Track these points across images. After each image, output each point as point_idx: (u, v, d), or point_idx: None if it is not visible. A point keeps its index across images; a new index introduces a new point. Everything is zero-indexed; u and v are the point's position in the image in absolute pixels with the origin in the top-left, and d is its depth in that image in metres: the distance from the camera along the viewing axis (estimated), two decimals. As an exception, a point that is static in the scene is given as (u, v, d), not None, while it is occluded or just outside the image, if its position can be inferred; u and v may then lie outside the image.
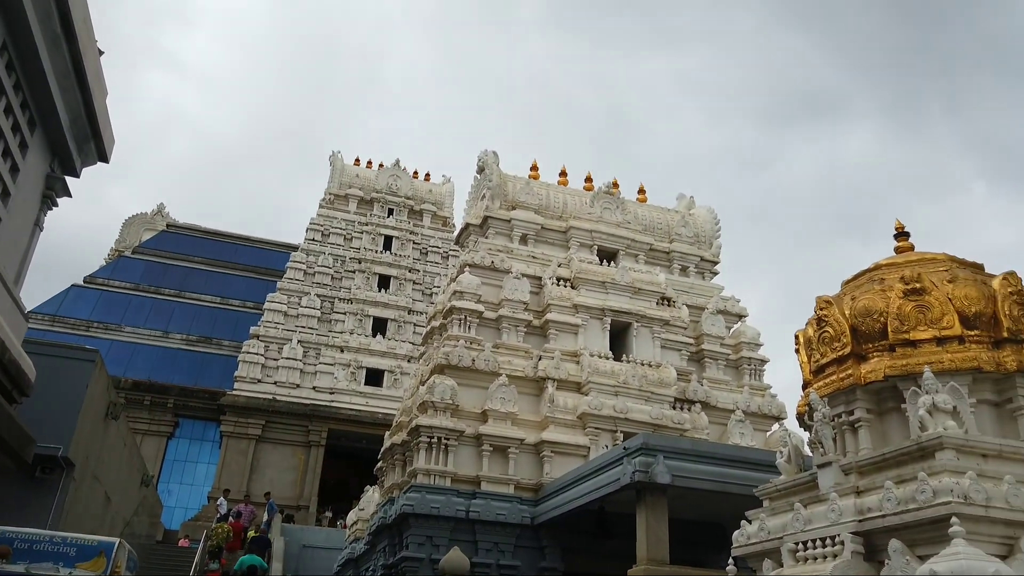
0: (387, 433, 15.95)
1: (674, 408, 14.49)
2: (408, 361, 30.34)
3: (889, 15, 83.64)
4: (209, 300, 35.92)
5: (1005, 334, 6.86)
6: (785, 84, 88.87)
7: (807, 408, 7.66)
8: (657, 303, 15.86)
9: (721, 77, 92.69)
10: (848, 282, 8.13)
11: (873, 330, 7.34)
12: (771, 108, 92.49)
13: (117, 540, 10.18)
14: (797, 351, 8.51)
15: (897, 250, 8.21)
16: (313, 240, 33.54)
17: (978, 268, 7.58)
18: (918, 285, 7.17)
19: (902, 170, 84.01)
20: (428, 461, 12.84)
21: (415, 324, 31.76)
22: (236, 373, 29.70)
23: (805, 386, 8.10)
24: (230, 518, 21.26)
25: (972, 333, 6.92)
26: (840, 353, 7.52)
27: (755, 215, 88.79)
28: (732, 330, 16.50)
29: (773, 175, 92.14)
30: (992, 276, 7.35)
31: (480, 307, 14.75)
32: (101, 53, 9.08)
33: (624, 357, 14.91)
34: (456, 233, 18.76)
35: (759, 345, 16.33)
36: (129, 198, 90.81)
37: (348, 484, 28.09)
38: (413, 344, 30.69)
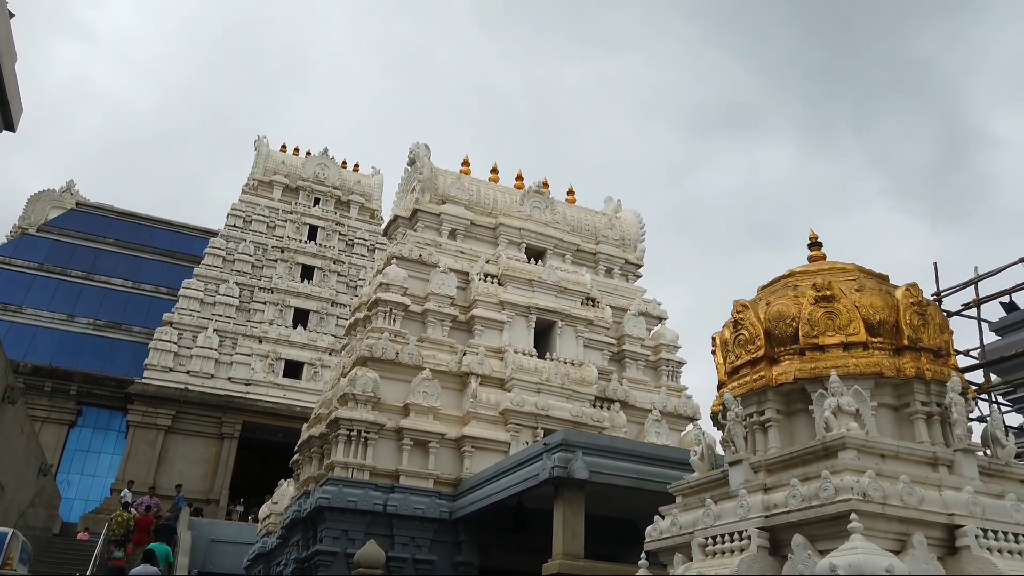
0: (305, 425, 15.65)
1: (594, 406, 14.72)
2: (329, 354, 29.81)
3: (808, 37, 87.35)
4: (120, 284, 34.42)
5: (905, 341, 7.24)
6: (709, 97, 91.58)
7: (721, 407, 7.89)
8: (582, 303, 16.08)
9: (650, 85, 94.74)
10: (764, 287, 8.42)
11: (785, 334, 7.62)
12: (696, 119, 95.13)
13: (10, 531, 9.66)
14: (713, 352, 8.76)
15: (810, 259, 8.55)
16: (234, 226, 32.55)
17: (883, 279, 7.98)
18: (828, 292, 7.48)
19: (813, 185, 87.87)
20: (347, 454, 12.65)
21: (338, 317, 31.24)
22: (146, 361, 28.58)
23: (720, 386, 8.35)
24: (133, 510, 20.38)
25: (876, 340, 7.28)
26: (754, 355, 7.78)
27: (677, 222, 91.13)
28: (652, 332, 16.88)
29: (695, 184, 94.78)
30: (896, 287, 7.74)
31: (406, 300, 14.63)
32: (11, 16, 8.56)
33: (548, 355, 15.07)
34: (384, 225, 18.52)
35: (677, 347, 16.78)
36: (35, 173, 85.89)
37: (262, 478, 27.41)
38: (335, 337, 30.17)
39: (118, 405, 28.45)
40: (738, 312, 8.16)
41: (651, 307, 17.10)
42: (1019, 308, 14.40)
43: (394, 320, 14.39)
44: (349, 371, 13.67)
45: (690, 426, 15.76)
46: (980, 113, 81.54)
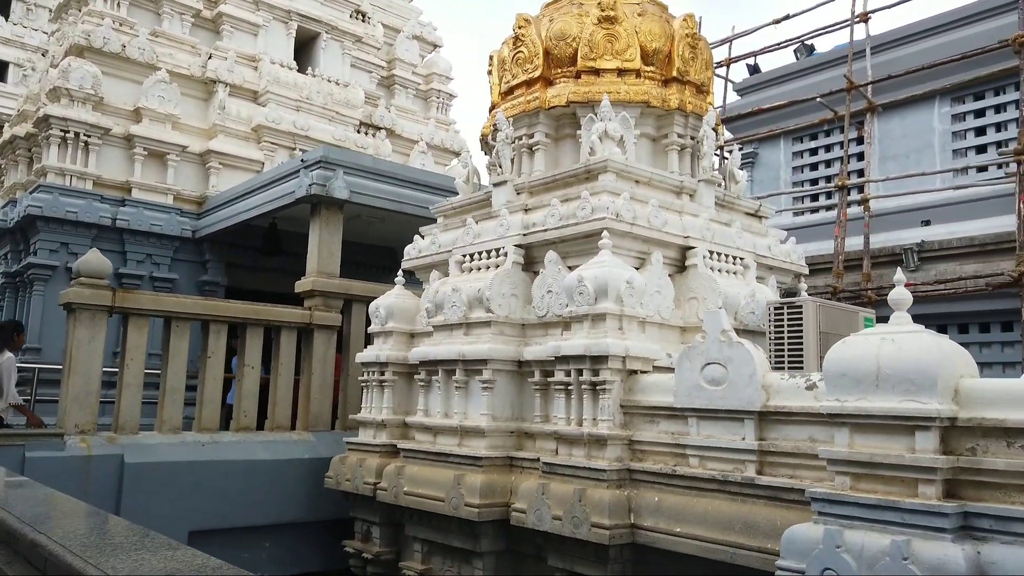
0: (7, 124, 13.13)
1: (358, 132, 13.90)
2: (45, 55, 24.98)
3: None
4: None
5: (675, 73, 7.30)
6: None
7: (492, 129, 7.64)
8: (351, 15, 14.49)
9: None
10: (550, 4, 7.93)
11: (564, 55, 7.34)
12: None
13: None
14: (490, 72, 8.32)
15: (599, -20, 8.11)
16: None
17: (664, 8, 7.82)
18: (612, 14, 7.21)
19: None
20: (62, 159, 10.84)
21: (51, 10, 25.85)
22: None
23: (492, 108, 8.04)
24: None
25: (648, 69, 7.26)
26: (531, 75, 7.48)
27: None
28: (425, 59, 15.90)
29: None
30: (675, 17, 7.65)
31: (134, -19, 12.12)
32: None
33: (310, 70, 13.65)
34: None
35: (450, 79, 16.06)
36: None
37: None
38: (50, 35, 25.16)
39: None
40: (520, 27, 7.67)
41: (426, 31, 15.94)
42: (761, 71, 15.37)
43: (118, 5, 11.90)
44: (61, 61, 11.35)
45: (455, 160, 15.61)
46: None
